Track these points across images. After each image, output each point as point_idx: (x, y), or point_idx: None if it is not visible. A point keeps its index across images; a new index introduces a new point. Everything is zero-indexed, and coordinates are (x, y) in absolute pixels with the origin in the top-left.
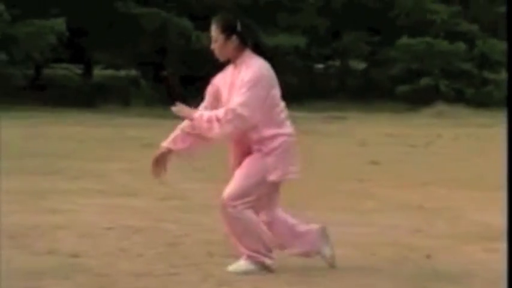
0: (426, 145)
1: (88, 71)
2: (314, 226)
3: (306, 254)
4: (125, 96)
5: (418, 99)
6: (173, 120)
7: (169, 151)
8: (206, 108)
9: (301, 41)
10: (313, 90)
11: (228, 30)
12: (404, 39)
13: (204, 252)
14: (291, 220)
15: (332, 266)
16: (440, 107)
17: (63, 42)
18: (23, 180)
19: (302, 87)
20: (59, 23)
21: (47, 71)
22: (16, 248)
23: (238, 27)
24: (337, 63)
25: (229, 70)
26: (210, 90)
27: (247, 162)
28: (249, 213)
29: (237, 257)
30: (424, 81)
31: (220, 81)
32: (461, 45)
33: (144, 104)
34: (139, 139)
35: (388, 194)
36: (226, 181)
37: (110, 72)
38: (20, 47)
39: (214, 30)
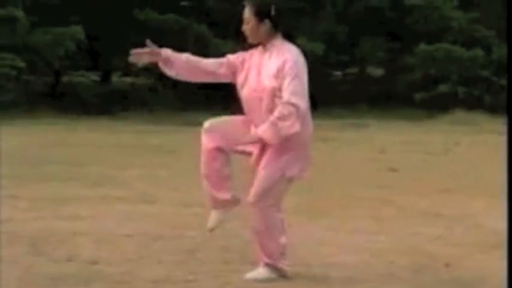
0: (444, 152)
1: (106, 78)
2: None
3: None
4: (144, 103)
5: (436, 106)
6: (192, 127)
7: (164, 58)
8: (218, 63)
9: (319, 47)
10: (331, 97)
11: (261, 14)
12: (422, 46)
13: (222, 259)
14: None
15: (209, 228)
16: (459, 113)
17: (81, 50)
18: (42, 186)
19: (320, 94)
20: (78, 31)
21: (65, 79)
22: (36, 254)
23: (272, 12)
24: (356, 70)
25: (257, 51)
26: (234, 58)
27: (267, 162)
28: (278, 216)
29: (254, 264)
30: (442, 88)
31: (249, 56)
32: (479, 52)
33: (163, 111)
34: (159, 146)
35: (407, 201)
36: (244, 188)
37: (128, 79)
38: (39, 55)
39: (247, 12)
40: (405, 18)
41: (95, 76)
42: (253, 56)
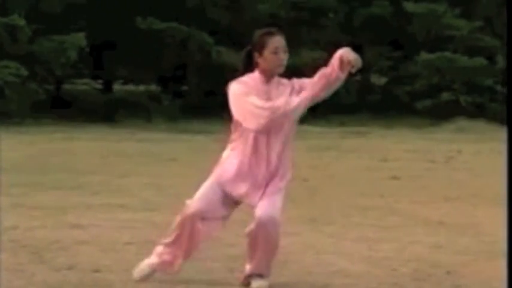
0: (447, 161)
1: (108, 86)
2: None
3: None
4: (145, 111)
5: (439, 115)
6: (194, 136)
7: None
8: None
9: (321, 56)
10: (333, 105)
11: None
12: (424, 55)
13: (224, 267)
14: None
15: None
16: (461, 122)
17: (83, 58)
18: (45, 195)
19: (322, 102)
20: (79, 38)
21: (68, 87)
22: (38, 262)
23: None
24: (358, 78)
25: (259, 83)
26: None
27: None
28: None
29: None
30: (445, 96)
31: (251, 89)
32: (482, 61)
33: (165, 119)
34: (161, 154)
35: (410, 210)
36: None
37: (130, 87)
38: (41, 63)
39: (284, 41)
40: (407, 27)
41: (97, 84)
42: (255, 90)
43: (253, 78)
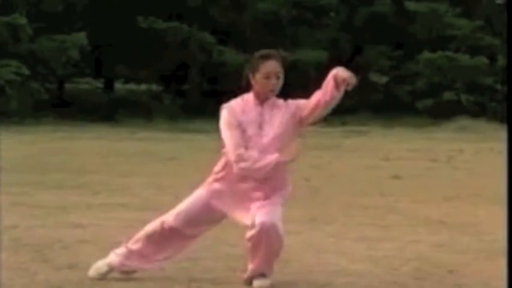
0: (448, 160)
1: (110, 85)
2: None
3: None
4: (146, 110)
5: (440, 114)
6: (195, 135)
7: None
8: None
9: (322, 55)
10: None
11: (283, 67)
12: (426, 54)
13: (225, 267)
14: None
15: None
16: (463, 121)
17: (85, 57)
18: (46, 194)
19: None
20: (81, 37)
21: (69, 86)
22: (40, 261)
23: None
24: (359, 77)
25: (251, 105)
26: (234, 120)
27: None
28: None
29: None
30: (446, 95)
31: (241, 113)
32: (483, 60)
33: (166, 119)
34: (162, 153)
35: (411, 209)
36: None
37: (131, 86)
38: (42, 62)
39: (278, 66)
40: (409, 26)
41: (98, 83)
42: (246, 114)
43: (247, 99)
